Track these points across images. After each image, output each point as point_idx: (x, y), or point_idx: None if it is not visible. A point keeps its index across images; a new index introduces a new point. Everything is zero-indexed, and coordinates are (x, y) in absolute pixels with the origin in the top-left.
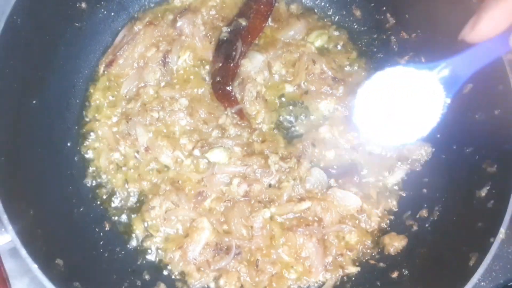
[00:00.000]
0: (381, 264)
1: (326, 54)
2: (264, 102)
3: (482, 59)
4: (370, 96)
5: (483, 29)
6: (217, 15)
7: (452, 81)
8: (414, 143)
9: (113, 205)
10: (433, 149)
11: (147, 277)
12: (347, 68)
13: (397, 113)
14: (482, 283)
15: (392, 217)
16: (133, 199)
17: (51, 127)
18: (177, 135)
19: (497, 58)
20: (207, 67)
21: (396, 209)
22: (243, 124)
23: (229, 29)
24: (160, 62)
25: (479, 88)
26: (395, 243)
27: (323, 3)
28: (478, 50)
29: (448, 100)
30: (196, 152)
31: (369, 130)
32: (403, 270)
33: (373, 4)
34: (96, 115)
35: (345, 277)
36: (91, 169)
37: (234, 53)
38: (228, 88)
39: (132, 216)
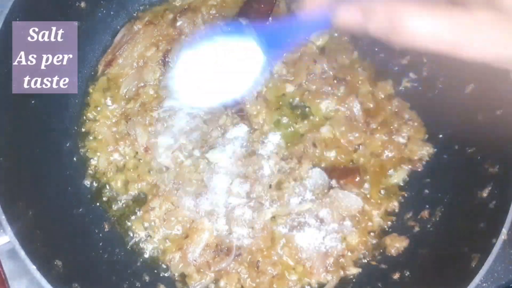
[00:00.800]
0: (382, 265)
1: (327, 54)
2: (264, 102)
3: (303, 29)
4: (190, 61)
5: None
6: (217, 14)
7: (272, 45)
8: (417, 144)
9: (112, 206)
10: (435, 150)
11: (146, 278)
12: (349, 68)
13: (216, 76)
14: (484, 284)
15: (393, 218)
16: (132, 200)
17: (50, 127)
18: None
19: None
20: None
21: (398, 210)
22: (243, 124)
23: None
24: (160, 61)
25: (481, 88)
26: (397, 244)
27: None
28: (299, 19)
29: (269, 65)
30: (196, 152)
31: (187, 93)
32: (405, 271)
33: None
34: (96, 115)
35: (346, 278)
36: (90, 170)
37: None
38: None
39: (132, 217)
